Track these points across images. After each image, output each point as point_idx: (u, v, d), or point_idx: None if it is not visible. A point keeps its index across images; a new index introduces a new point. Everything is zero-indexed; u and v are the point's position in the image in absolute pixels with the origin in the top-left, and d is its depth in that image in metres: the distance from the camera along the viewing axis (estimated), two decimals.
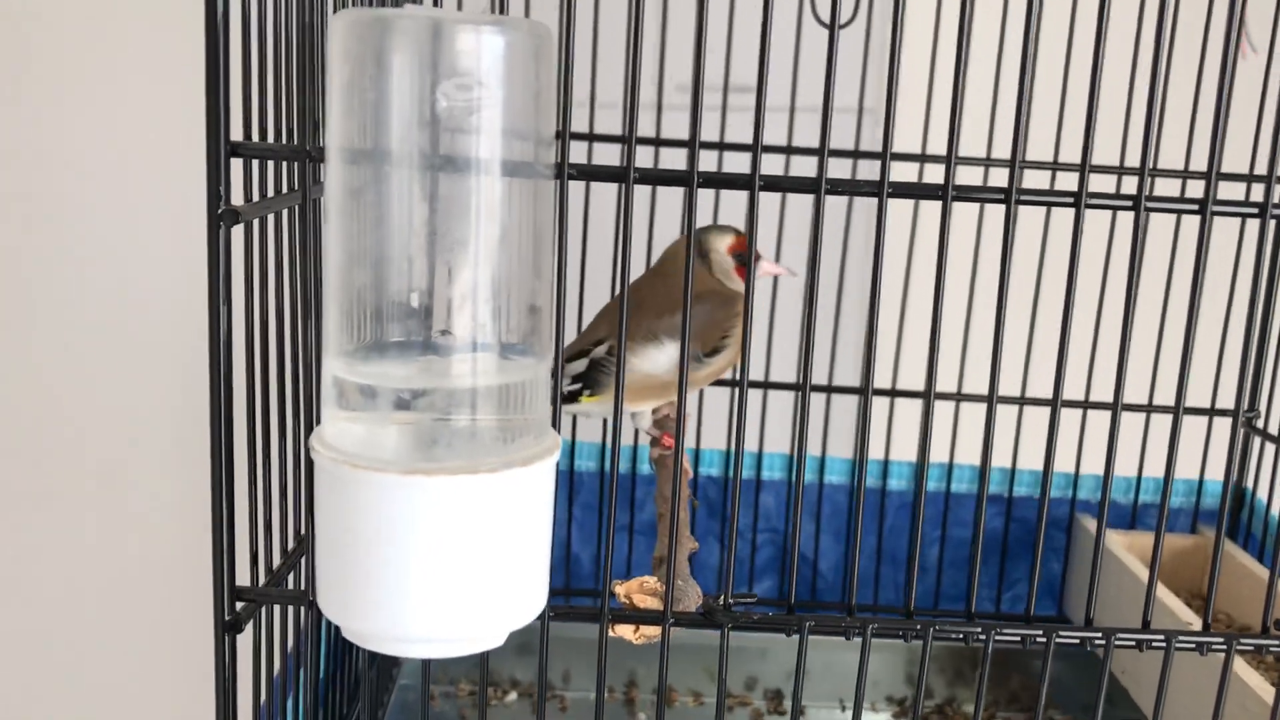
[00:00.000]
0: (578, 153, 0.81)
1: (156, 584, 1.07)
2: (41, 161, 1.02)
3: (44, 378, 1.06)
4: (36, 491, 1.08)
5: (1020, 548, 0.88)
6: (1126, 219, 0.47)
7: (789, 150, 0.82)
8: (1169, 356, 0.81)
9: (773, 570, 0.90)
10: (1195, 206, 0.47)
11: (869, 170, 0.87)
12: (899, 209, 0.78)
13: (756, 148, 0.44)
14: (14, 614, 1.09)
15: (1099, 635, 0.49)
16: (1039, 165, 0.80)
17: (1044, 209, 0.74)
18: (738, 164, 0.84)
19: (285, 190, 0.51)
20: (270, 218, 0.49)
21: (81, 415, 1.07)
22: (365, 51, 0.38)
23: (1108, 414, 0.71)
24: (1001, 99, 0.82)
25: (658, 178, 0.46)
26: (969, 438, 0.84)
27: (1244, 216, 0.47)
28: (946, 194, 0.45)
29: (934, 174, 0.83)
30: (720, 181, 0.46)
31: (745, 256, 0.70)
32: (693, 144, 0.44)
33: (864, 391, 0.51)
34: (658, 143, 0.82)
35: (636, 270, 0.79)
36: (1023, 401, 0.85)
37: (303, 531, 0.54)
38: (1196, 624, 0.68)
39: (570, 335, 0.76)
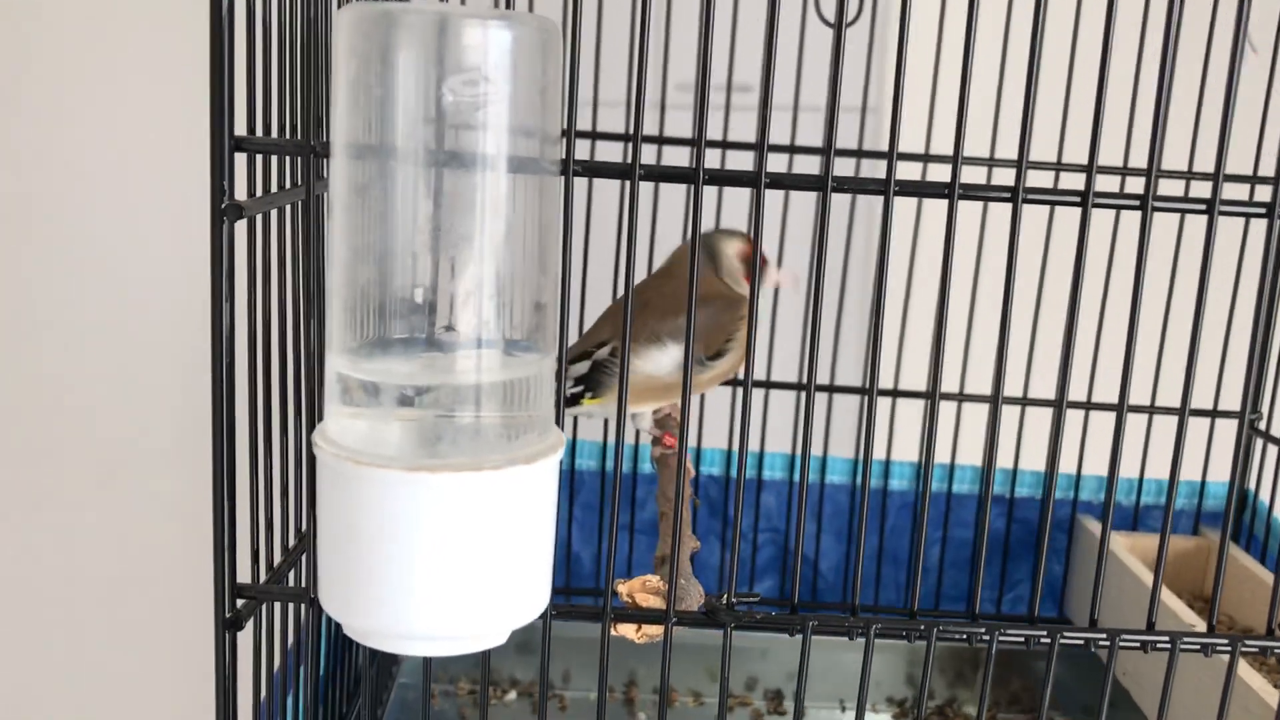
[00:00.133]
0: (581, 150, 0.81)
1: (157, 580, 1.07)
2: (44, 157, 1.02)
3: (45, 373, 1.06)
4: (37, 488, 1.08)
5: (1022, 548, 0.88)
6: (1129, 219, 0.47)
7: (792, 149, 0.82)
8: (1171, 358, 0.80)
9: (774, 570, 0.90)
10: (1202, 207, 0.46)
11: (872, 169, 0.87)
12: (902, 208, 0.77)
13: (762, 145, 0.44)
14: (14, 611, 1.09)
15: (1103, 636, 0.48)
16: (1043, 165, 0.80)
17: (1047, 208, 0.74)
18: (741, 162, 0.84)
19: (289, 185, 0.51)
20: (274, 213, 0.49)
21: (82, 412, 1.07)
22: (371, 46, 0.38)
23: (1110, 415, 0.71)
24: (1006, 98, 0.82)
25: (662, 174, 0.46)
26: (971, 438, 0.84)
27: (1251, 217, 0.47)
28: (953, 193, 0.45)
29: (937, 173, 0.82)
30: (725, 179, 0.46)
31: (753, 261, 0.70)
32: (698, 141, 0.44)
33: (868, 391, 0.51)
34: (661, 140, 0.82)
35: (640, 268, 0.79)
36: (1025, 402, 0.85)
37: (304, 528, 0.54)
38: (1199, 625, 0.68)
39: (573, 334, 0.76)
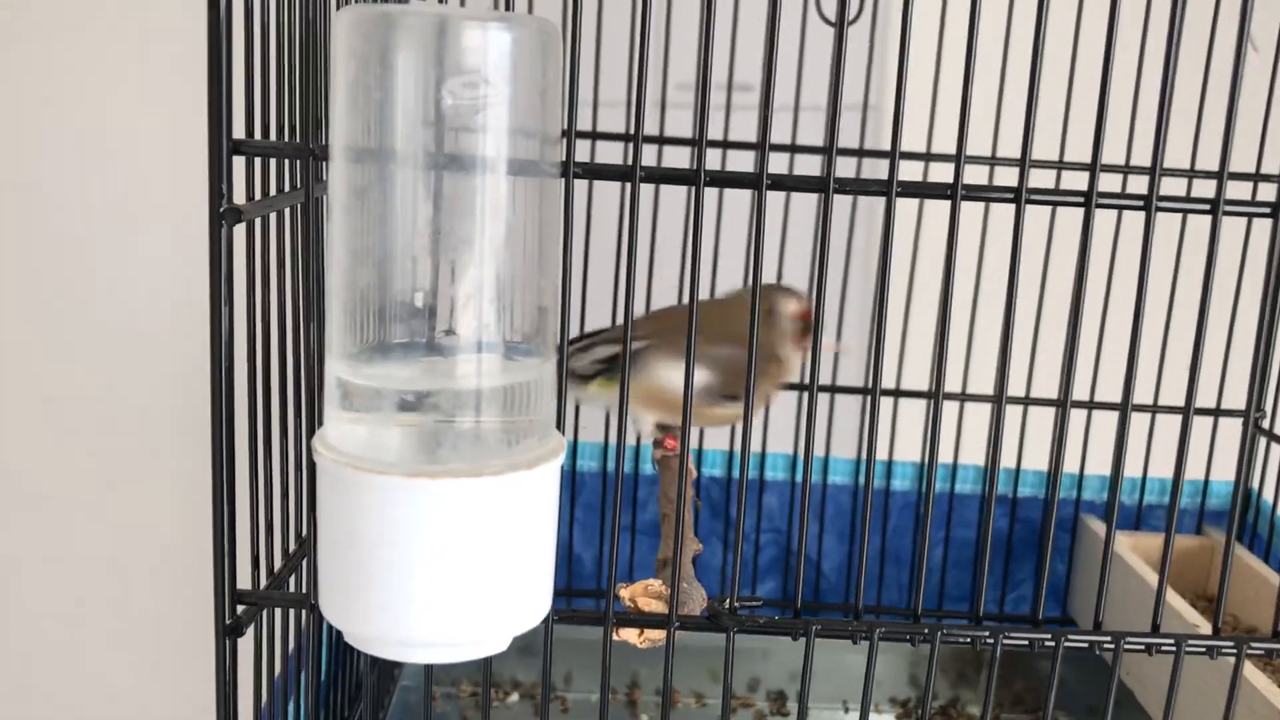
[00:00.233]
0: (581, 151, 0.80)
1: (157, 586, 1.07)
2: (42, 162, 1.02)
3: (44, 378, 1.06)
4: (36, 494, 1.07)
5: (1024, 548, 0.88)
6: (1131, 218, 0.47)
7: (793, 149, 0.82)
8: (1174, 356, 0.80)
9: (776, 571, 0.89)
10: (1206, 206, 0.46)
11: (874, 168, 0.86)
12: (904, 208, 0.77)
13: (763, 146, 0.44)
14: (12, 617, 1.09)
15: (1108, 639, 0.48)
16: (1045, 164, 0.80)
17: (1049, 208, 0.74)
18: (742, 162, 0.84)
19: (288, 189, 0.50)
20: (273, 216, 0.48)
21: (81, 416, 1.07)
22: (370, 48, 0.38)
23: (1114, 414, 0.71)
24: (1007, 97, 0.82)
25: (663, 176, 0.46)
26: (974, 438, 0.84)
27: (1255, 216, 0.47)
28: (955, 193, 0.45)
29: (939, 172, 0.82)
30: (726, 180, 0.46)
31: (808, 325, 0.70)
32: (699, 142, 0.44)
33: (870, 391, 0.51)
34: (662, 141, 0.82)
35: (641, 269, 0.79)
36: (1028, 402, 0.85)
37: (304, 533, 0.54)
38: (1203, 626, 0.67)
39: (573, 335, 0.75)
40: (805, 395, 0.72)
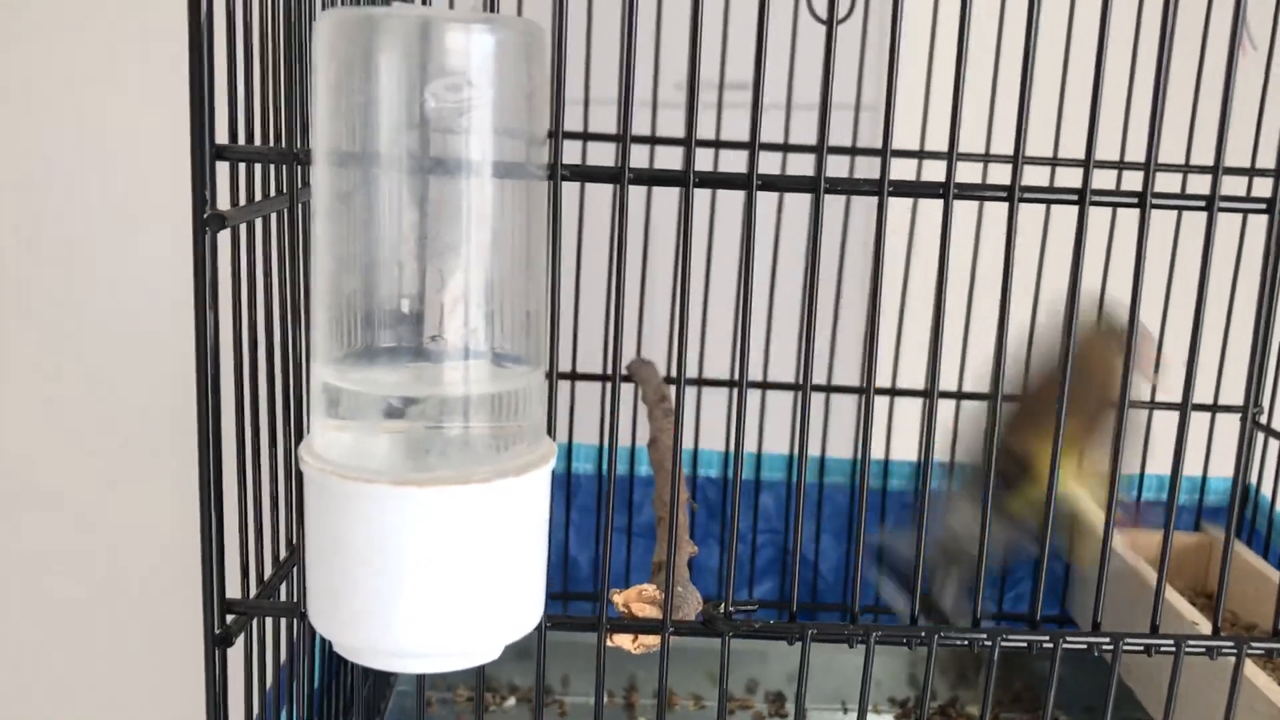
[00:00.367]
0: (572, 151, 0.80)
1: (146, 596, 1.06)
2: (25, 168, 1.01)
3: (28, 387, 1.05)
4: (21, 503, 1.07)
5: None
6: (1127, 213, 0.46)
7: (786, 148, 0.81)
8: (1171, 353, 0.80)
9: (773, 571, 0.89)
10: (1201, 204, 0.46)
11: (867, 167, 0.86)
12: (898, 206, 0.77)
13: (754, 147, 0.43)
14: (13, 617, 1.09)
15: (1107, 641, 0.48)
16: (1039, 161, 0.79)
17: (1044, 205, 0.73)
18: (734, 161, 0.83)
19: (272, 194, 0.50)
20: (258, 222, 0.48)
21: (66, 424, 1.06)
22: (353, 52, 0.37)
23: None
24: (1000, 93, 0.81)
25: (653, 178, 0.45)
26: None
27: (1250, 212, 0.46)
28: (948, 192, 0.44)
29: (932, 170, 0.82)
30: (717, 181, 0.45)
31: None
32: (689, 143, 0.43)
33: (865, 391, 0.51)
34: (653, 141, 0.81)
35: (633, 273, 0.78)
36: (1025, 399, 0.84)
37: (294, 540, 0.53)
38: (1203, 624, 0.67)
39: (565, 339, 0.75)
40: (801, 395, 0.72)
